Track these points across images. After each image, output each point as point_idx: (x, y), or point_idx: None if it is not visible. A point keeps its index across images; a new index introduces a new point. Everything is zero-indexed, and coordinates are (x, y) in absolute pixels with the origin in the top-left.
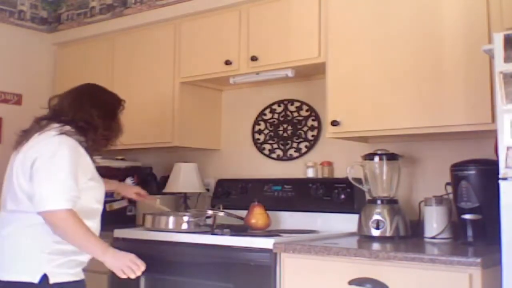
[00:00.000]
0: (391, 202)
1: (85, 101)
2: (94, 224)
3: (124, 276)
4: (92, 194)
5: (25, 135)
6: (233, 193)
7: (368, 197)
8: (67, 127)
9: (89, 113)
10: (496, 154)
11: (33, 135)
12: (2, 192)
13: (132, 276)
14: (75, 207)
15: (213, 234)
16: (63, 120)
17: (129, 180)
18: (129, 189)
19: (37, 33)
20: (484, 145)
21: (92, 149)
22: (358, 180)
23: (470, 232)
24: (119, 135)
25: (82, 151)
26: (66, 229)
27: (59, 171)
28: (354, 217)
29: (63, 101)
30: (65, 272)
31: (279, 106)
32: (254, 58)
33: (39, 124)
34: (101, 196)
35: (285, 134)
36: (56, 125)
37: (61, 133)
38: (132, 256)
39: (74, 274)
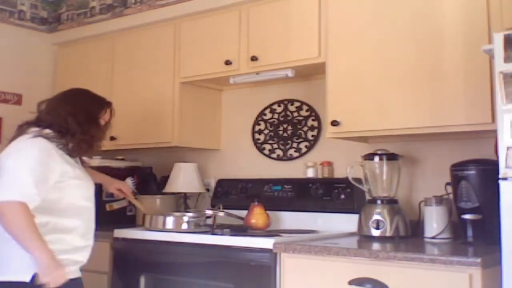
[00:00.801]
0: (391, 202)
1: (63, 108)
2: (85, 221)
3: (43, 282)
4: (77, 192)
5: (11, 141)
6: (233, 193)
7: (368, 197)
8: (47, 131)
9: (65, 120)
10: (496, 154)
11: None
12: None
13: (51, 286)
14: (31, 204)
15: (213, 234)
16: (42, 125)
17: (129, 180)
18: (112, 184)
19: (37, 33)
20: (484, 145)
21: (74, 152)
22: (358, 180)
23: (470, 232)
24: (101, 139)
25: (55, 153)
26: (13, 221)
27: (20, 168)
28: (354, 217)
29: (46, 106)
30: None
31: (279, 106)
32: (254, 58)
33: (20, 129)
34: (88, 194)
35: (285, 134)
36: (35, 129)
37: (36, 136)
38: (62, 269)
39: (68, 272)
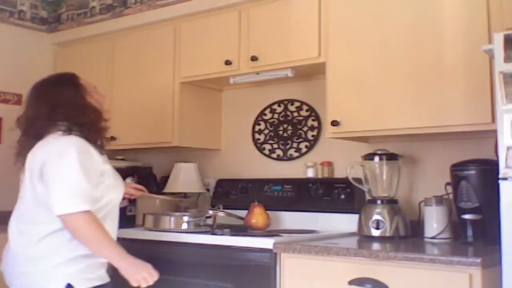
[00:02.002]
0: (391, 202)
1: (40, 104)
2: (116, 220)
3: (136, 285)
4: (114, 191)
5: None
6: (233, 193)
7: (368, 197)
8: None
9: (68, 125)
10: (496, 154)
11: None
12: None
13: (143, 286)
14: (92, 208)
15: (213, 234)
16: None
17: (129, 180)
18: (127, 185)
19: (37, 33)
20: (484, 145)
21: (103, 148)
22: (358, 180)
23: (470, 232)
24: (98, 119)
25: (93, 151)
26: (84, 231)
27: (71, 173)
28: (354, 217)
29: (26, 121)
30: (87, 278)
31: (279, 106)
32: (254, 58)
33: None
34: (121, 193)
35: (285, 134)
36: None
37: (69, 134)
38: (149, 267)
39: (98, 277)
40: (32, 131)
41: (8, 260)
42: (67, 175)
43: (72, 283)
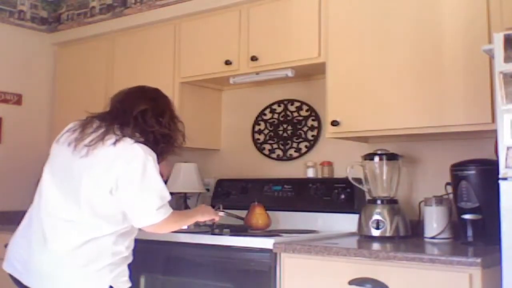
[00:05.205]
0: (391, 202)
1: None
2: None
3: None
4: None
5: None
6: (233, 193)
7: (368, 197)
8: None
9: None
10: (496, 154)
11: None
12: (44, 194)
13: (217, 218)
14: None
15: (213, 234)
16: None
17: None
18: None
19: (37, 33)
20: (484, 145)
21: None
22: (358, 180)
23: (470, 232)
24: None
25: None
26: (169, 229)
27: (151, 182)
28: (354, 217)
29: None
30: (125, 280)
31: (279, 106)
32: (254, 58)
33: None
34: None
35: (285, 134)
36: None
37: (138, 142)
38: (207, 209)
39: (127, 281)
40: (115, 120)
41: (31, 262)
42: (153, 186)
43: (114, 286)
